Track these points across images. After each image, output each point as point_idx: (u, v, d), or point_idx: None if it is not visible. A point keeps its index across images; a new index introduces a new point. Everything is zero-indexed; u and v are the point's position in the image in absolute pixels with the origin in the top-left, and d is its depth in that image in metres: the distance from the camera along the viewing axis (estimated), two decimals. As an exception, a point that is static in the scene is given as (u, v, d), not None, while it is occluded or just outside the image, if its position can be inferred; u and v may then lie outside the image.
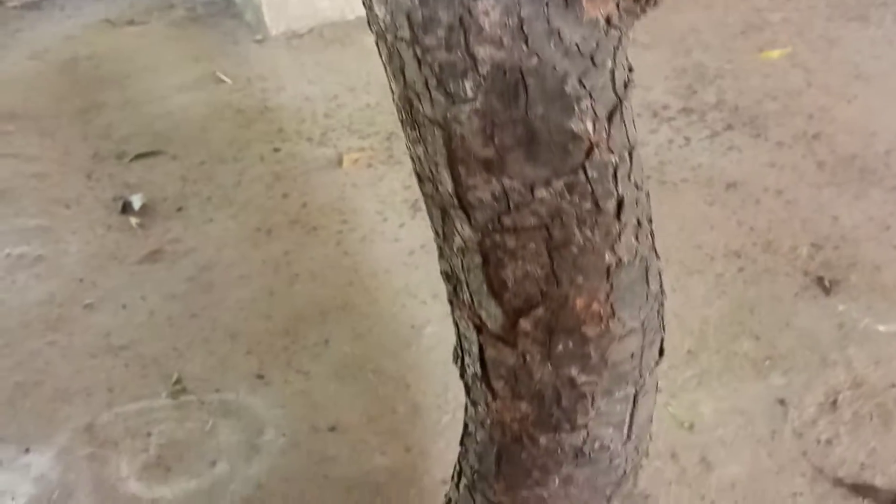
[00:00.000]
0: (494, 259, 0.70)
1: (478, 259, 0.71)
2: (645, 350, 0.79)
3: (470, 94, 0.60)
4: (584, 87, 0.61)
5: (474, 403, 0.87)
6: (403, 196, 2.22)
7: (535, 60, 0.58)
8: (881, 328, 1.62)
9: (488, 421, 0.85)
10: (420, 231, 2.09)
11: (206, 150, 2.55)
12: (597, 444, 0.82)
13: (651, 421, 0.88)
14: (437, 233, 0.76)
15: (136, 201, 2.35)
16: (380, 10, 0.61)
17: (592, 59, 0.60)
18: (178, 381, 1.76)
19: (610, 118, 0.64)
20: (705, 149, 2.21)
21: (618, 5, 0.61)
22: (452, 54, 0.58)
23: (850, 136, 2.19)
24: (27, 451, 1.62)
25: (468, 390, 0.87)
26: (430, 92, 0.62)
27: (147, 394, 1.73)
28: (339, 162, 2.39)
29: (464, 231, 0.70)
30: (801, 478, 1.39)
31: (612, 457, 0.84)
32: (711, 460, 1.43)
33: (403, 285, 1.92)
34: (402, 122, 0.70)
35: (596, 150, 0.65)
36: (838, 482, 1.38)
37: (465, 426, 0.92)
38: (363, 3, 0.64)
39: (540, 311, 0.72)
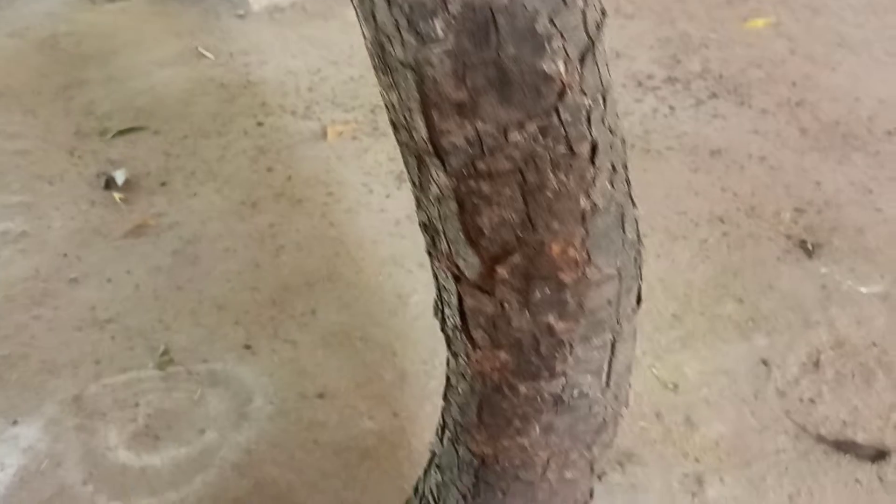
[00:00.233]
0: (470, 206, 0.70)
1: (454, 206, 0.71)
2: (622, 297, 0.80)
3: (440, 34, 0.60)
4: (556, 26, 0.61)
5: (455, 355, 0.87)
6: (389, 168, 2.21)
7: (505, -2, 0.58)
8: (863, 290, 1.63)
9: (469, 372, 0.85)
10: (406, 202, 2.08)
11: (189, 125, 2.53)
12: (576, 392, 0.83)
13: (630, 370, 0.89)
14: (413, 182, 0.76)
15: (120, 177, 2.33)
16: (350, -49, 0.61)
17: (563, -3, 0.60)
18: (165, 353, 1.76)
19: (582, 59, 0.64)
20: (690, 117, 2.21)
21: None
22: (422, -7, 0.58)
23: (833, 103, 2.20)
24: (15, 422, 1.62)
25: (449, 342, 0.87)
26: (400, 34, 0.62)
27: (134, 365, 1.73)
28: (324, 135, 2.37)
29: (439, 178, 0.70)
30: (784, 435, 1.41)
31: (591, 404, 0.85)
32: (695, 420, 1.45)
33: (389, 255, 1.92)
34: (375, 68, 0.69)
35: (569, 92, 0.65)
36: (821, 439, 1.40)
37: (448, 379, 0.93)
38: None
39: (516, 258, 0.72)
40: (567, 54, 0.63)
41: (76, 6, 3.51)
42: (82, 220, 2.20)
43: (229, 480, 1.47)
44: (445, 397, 0.95)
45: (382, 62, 0.67)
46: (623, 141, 0.75)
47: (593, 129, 0.68)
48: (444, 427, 0.97)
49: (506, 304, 0.76)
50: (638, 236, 0.81)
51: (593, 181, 0.70)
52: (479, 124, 0.65)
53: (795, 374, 1.50)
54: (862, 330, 1.55)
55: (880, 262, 1.69)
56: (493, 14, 0.59)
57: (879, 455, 1.36)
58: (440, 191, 0.71)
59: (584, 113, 0.67)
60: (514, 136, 0.65)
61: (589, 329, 0.79)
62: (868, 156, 1.99)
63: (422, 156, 0.70)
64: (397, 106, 0.69)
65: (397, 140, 0.74)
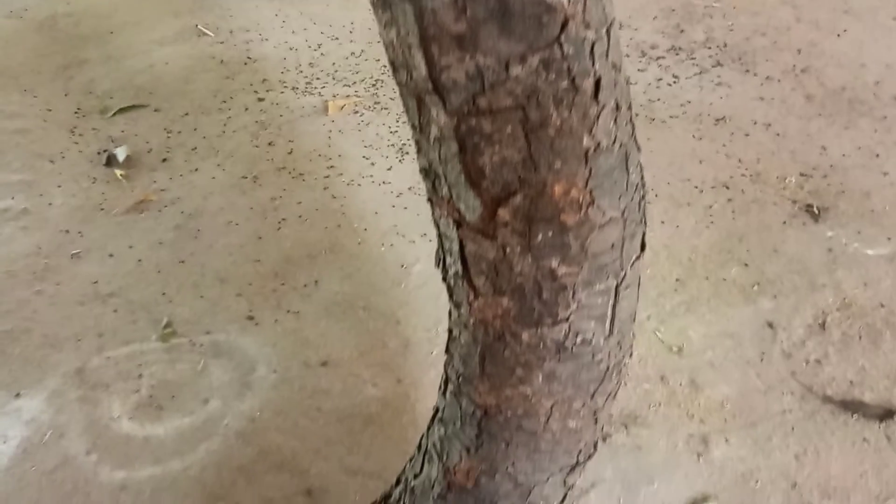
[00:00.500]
0: (471, 145, 0.69)
1: (454, 147, 0.70)
2: (626, 241, 0.78)
3: (439, -39, 0.59)
4: (557, -49, 0.59)
5: (457, 305, 0.86)
6: (390, 141, 2.20)
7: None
8: (870, 252, 1.62)
9: (471, 321, 0.84)
10: (408, 174, 2.07)
11: (190, 102, 2.52)
12: (579, 339, 0.82)
13: (633, 319, 0.88)
14: (413, 126, 0.74)
15: (121, 153, 2.32)
16: None
17: (564, -77, 0.59)
18: (168, 325, 1.76)
19: (584, -11, 0.63)
20: (694, 86, 2.19)
21: None
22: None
23: (839, 69, 2.18)
24: (18, 395, 1.62)
25: (451, 293, 0.86)
26: (398, -37, 0.60)
27: (137, 338, 1.73)
28: (325, 109, 2.36)
29: (439, 118, 0.69)
30: (790, 396, 1.40)
31: (594, 352, 0.84)
32: (700, 382, 1.44)
33: (392, 226, 1.91)
34: (373, 5, 0.68)
35: (571, 24, 0.63)
36: (827, 399, 1.39)
37: (450, 332, 0.92)
38: None
39: (518, 199, 0.71)
40: (568, -18, 0.61)
41: (74, -13, 3.48)
42: (83, 196, 2.19)
43: (233, 448, 1.47)
44: (447, 350, 0.94)
45: (380, -3, 0.65)
46: (627, 80, 0.73)
47: (597, 64, 0.66)
48: (446, 381, 0.96)
49: (507, 249, 0.75)
50: (642, 180, 0.80)
51: (597, 118, 0.69)
52: (480, 58, 0.64)
53: (801, 336, 1.49)
54: (869, 291, 1.54)
55: (887, 225, 1.68)
56: (491, -62, 0.57)
57: (887, 414, 1.35)
58: (440, 131, 0.70)
59: (587, 46, 0.65)
60: (516, 69, 0.64)
61: (592, 274, 0.78)
62: (874, 121, 1.97)
63: (421, 95, 0.69)
64: (396, 43, 0.68)
65: (397, 82, 0.73)
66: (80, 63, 2.84)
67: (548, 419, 0.88)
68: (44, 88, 2.73)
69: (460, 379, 0.91)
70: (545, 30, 0.63)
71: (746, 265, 1.64)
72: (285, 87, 2.49)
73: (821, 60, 2.24)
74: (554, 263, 0.76)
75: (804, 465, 1.30)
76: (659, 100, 2.16)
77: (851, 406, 1.37)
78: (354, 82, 2.47)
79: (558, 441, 0.91)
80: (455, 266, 0.81)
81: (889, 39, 2.28)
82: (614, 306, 0.82)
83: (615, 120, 0.71)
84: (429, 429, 1.03)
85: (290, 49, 2.70)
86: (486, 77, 0.65)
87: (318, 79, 2.52)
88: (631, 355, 0.91)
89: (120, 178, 2.24)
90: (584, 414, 0.89)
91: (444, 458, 0.97)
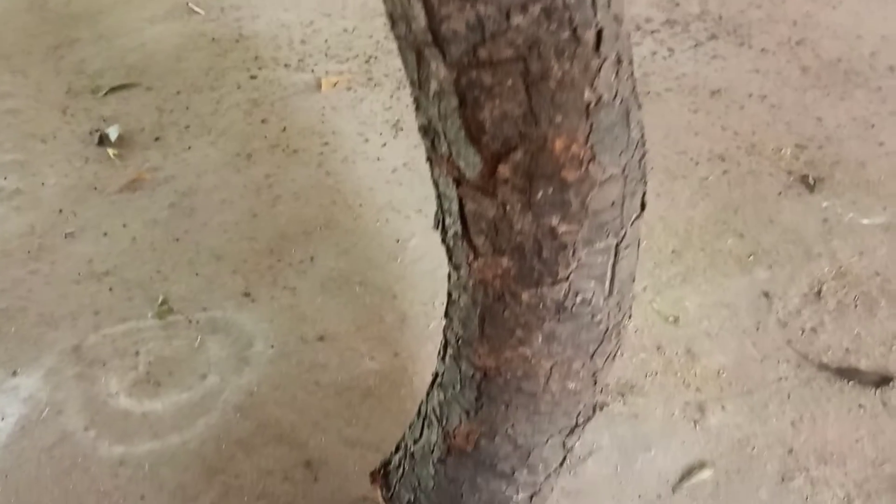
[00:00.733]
0: (471, 99, 0.69)
1: (454, 101, 0.70)
2: (626, 199, 0.78)
3: None
4: None
5: (456, 267, 0.86)
6: (384, 117, 2.19)
7: None
8: (865, 221, 1.62)
9: (470, 282, 0.84)
10: (403, 150, 2.06)
11: (182, 80, 2.50)
12: (578, 299, 0.82)
13: (633, 280, 0.88)
14: (412, 82, 0.74)
15: (113, 133, 2.30)
16: None
17: None
18: (164, 303, 1.75)
19: (584, -64, 0.62)
20: (689, 59, 2.19)
21: None
22: None
23: (834, 41, 2.17)
24: (14, 373, 1.61)
25: (449, 254, 0.86)
26: None
27: (133, 315, 1.72)
28: (318, 86, 2.34)
29: (439, 71, 0.68)
30: (786, 364, 1.41)
31: (594, 312, 0.84)
32: (696, 351, 1.45)
33: (387, 201, 1.90)
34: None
35: (571, -28, 0.63)
36: (823, 367, 1.40)
37: (449, 295, 0.92)
38: None
39: (518, 155, 0.71)
40: (568, -71, 0.61)
41: (62, -33, 3.44)
42: (76, 176, 2.18)
43: (232, 422, 1.47)
44: (446, 314, 0.94)
45: (377, -54, 0.64)
46: (628, 34, 0.73)
47: (598, 14, 0.66)
48: (445, 345, 0.96)
49: (507, 206, 0.75)
50: (643, 137, 0.79)
51: (598, 71, 0.68)
52: (481, 7, 0.63)
53: (797, 305, 1.50)
54: (864, 260, 1.55)
55: (882, 195, 1.68)
56: None
57: (883, 381, 1.36)
58: (440, 85, 0.69)
59: (587, -4, 0.65)
60: (517, 18, 0.63)
61: (592, 232, 0.77)
62: (870, 91, 1.97)
63: (421, 48, 0.68)
64: (394, -5, 0.67)
65: (395, 35, 0.72)
66: (70, 42, 2.81)
67: (547, 380, 0.88)
68: (34, 68, 2.70)
69: (460, 342, 0.91)
70: (545, -22, 0.62)
71: (742, 236, 1.64)
72: (277, 64, 2.47)
73: (816, 32, 2.23)
74: (554, 221, 0.75)
75: (800, 431, 1.31)
76: (654, 73, 2.15)
77: (847, 373, 1.38)
78: (347, 59, 2.46)
79: (558, 402, 0.91)
80: (454, 226, 0.81)
81: (885, 11, 2.27)
82: (614, 266, 0.82)
83: (617, 73, 0.71)
84: (428, 394, 1.03)
85: (282, 26, 2.68)
86: (486, 27, 0.64)
87: (310, 56, 2.50)
88: (630, 317, 0.92)
89: (113, 157, 2.22)
90: (583, 375, 0.90)
91: (444, 422, 0.97)
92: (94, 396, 1.55)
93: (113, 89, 2.51)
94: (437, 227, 0.86)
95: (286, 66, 2.47)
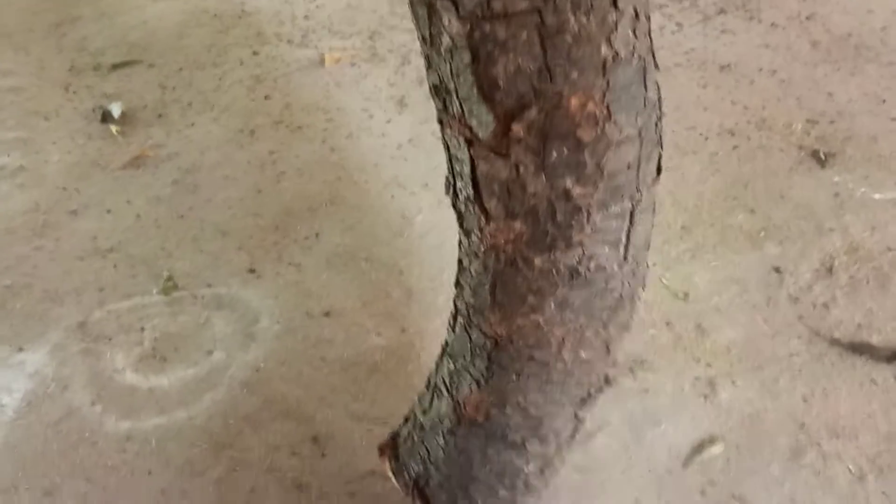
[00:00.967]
0: (484, 54, 0.67)
1: (467, 57, 0.68)
2: (642, 162, 0.76)
3: None
4: None
5: (467, 233, 0.84)
6: (389, 93, 2.17)
7: None
8: (877, 196, 1.60)
9: (482, 248, 0.83)
10: (408, 126, 2.04)
11: (184, 56, 2.47)
12: (592, 264, 0.80)
13: (648, 247, 0.86)
14: (424, 39, 0.72)
15: (116, 110, 2.28)
16: None
17: None
18: (169, 279, 1.74)
19: None
20: (698, 33, 2.15)
21: None
22: None
23: (845, 16, 2.14)
24: (20, 349, 1.61)
25: (461, 220, 0.84)
26: None
27: (138, 291, 1.71)
28: (321, 62, 2.32)
29: (451, 25, 0.67)
30: (797, 340, 1.40)
31: (608, 278, 0.82)
32: (706, 327, 1.43)
33: (392, 177, 1.89)
34: None
35: (589, -79, 0.61)
36: (835, 342, 1.38)
37: (459, 263, 0.90)
38: None
39: (533, 113, 0.69)
40: None
41: (63, -56, 3.40)
42: (80, 153, 2.16)
43: (238, 398, 1.47)
44: (457, 283, 0.92)
45: None
46: (644, -10, 0.71)
47: (614, -34, 0.64)
48: (455, 314, 0.95)
49: (521, 167, 0.73)
50: (660, 100, 0.77)
51: (615, 26, 0.66)
52: (494, -43, 0.61)
53: (808, 281, 1.48)
54: (876, 235, 1.53)
55: (894, 169, 1.66)
56: None
57: (895, 356, 1.34)
58: (452, 40, 0.68)
59: (604, -54, 0.63)
60: (531, -31, 0.61)
61: (607, 195, 0.76)
62: (881, 66, 1.94)
63: (433, 1, 0.66)
64: (405, -52, 0.65)
65: (406, -9, 0.70)
66: (72, 20, 2.78)
67: (560, 349, 0.87)
68: (36, 46, 2.68)
69: (470, 310, 0.90)
70: (562, -73, 0.60)
71: (752, 211, 1.62)
72: (280, 40, 2.45)
73: (826, 7, 2.20)
74: (569, 183, 0.74)
75: (812, 406, 1.30)
76: (662, 48, 2.12)
77: (859, 348, 1.37)
78: (351, 34, 2.43)
79: (570, 372, 0.89)
80: (466, 189, 0.79)
81: (897, -15, 2.24)
82: (629, 231, 0.80)
83: (634, 30, 0.69)
84: (437, 365, 1.02)
85: (285, 2, 2.65)
86: (500, -21, 0.62)
87: (313, 31, 2.47)
88: (644, 287, 0.90)
89: (116, 134, 2.20)
90: (596, 344, 0.88)
91: (454, 392, 0.96)
92: (100, 372, 1.55)
93: (115, 66, 2.49)
94: (448, 192, 0.84)
95: (289, 42, 2.44)
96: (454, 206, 0.84)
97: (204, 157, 2.06)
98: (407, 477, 1.04)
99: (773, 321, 1.43)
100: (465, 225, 0.84)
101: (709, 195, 1.67)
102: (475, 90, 0.70)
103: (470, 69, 0.68)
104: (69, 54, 2.59)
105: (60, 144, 2.19)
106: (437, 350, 1.45)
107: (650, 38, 0.73)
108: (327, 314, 1.59)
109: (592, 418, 1.30)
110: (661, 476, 1.23)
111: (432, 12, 0.68)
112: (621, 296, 0.85)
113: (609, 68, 0.68)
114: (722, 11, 2.23)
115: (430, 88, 0.76)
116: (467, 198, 0.80)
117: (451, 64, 0.70)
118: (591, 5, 0.64)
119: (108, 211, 1.94)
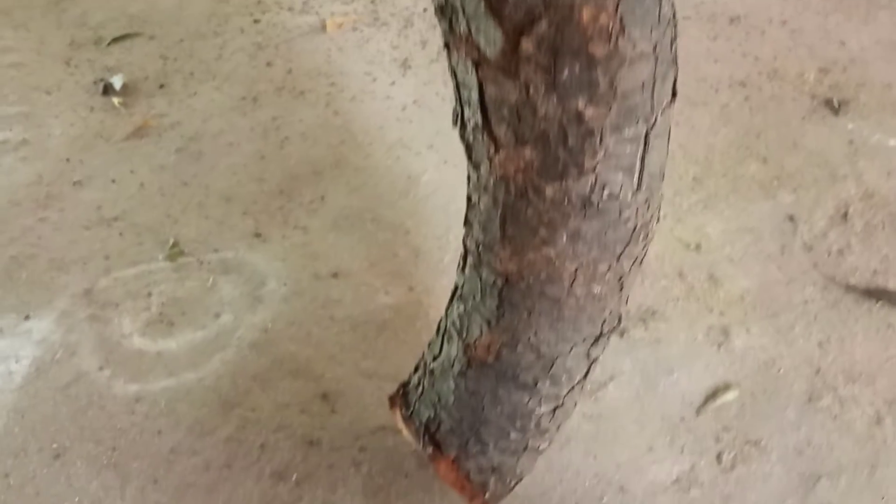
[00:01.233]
0: (490, -35, 0.64)
1: (472, -30, 0.65)
2: (657, 82, 0.74)
3: None
4: None
5: (476, 166, 0.82)
6: (392, 56, 2.14)
7: None
8: (892, 142, 1.57)
9: (491, 180, 0.81)
10: (412, 88, 2.02)
11: (184, 27, 2.45)
12: (605, 193, 0.78)
13: (662, 176, 0.84)
14: (426, -44, 0.69)
15: (117, 82, 2.26)
16: None
17: None
18: (174, 245, 1.73)
19: None
20: (706, -13, 2.11)
21: None
22: None
23: (856, -35, 2.09)
24: (27, 317, 1.60)
25: (469, 152, 0.82)
26: None
27: (144, 259, 1.70)
28: (323, 28, 2.29)
29: (455, -63, 0.64)
30: (812, 287, 1.37)
31: (621, 208, 0.80)
32: (719, 277, 1.41)
33: (397, 139, 1.86)
34: None
35: None
36: (850, 288, 1.36)
37: (468, 200, 0.88)
38: None
39: (543, 27, 0.67)
40: None
41: (59, -79, 3.36)
42: (82, 125, 2.14)
43: (247, 358, 1.46)
44: (466, 221, 0.90)
45: None
46: None
47: None
48: (465, 255, 0.93)
49: (531, 88, 0.71)
50: (674, 17, 0.75)
51: (624, -69, 0.64)
52: None
53: (823, 228, 1.45)
54: (891, 181, 1.50)
55: (910, 116, 1.63)
56: None
57: (912, 300, 1.32)
58: (456, -47, 0.65)
59: None
60: None
61: (621, 116, 0.73)
62: (894, 13, 1.90)
63: (434, -89, 0.64)
64: None
65: None
66: (70, -5, 2.75)
67: (572, 284, 0.85)
68: (36, 23, 2.65)
69: (480, 248, 0.88)
70: None
71: (765, 161, 1.59)
72: (281, 7, 2.42)
73: (837, -42, 2.15)
74: (580, 104, 0.71)
75: (828, 352, 1.28)
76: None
77: (875, 294, 1.34)
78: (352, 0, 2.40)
79: (582, 308, 0.88)
80: (474, 118, 0.77)
81: (909, -67, 2.19)
82: (643, 157, 0.78)
83: (644, -62, 0.66)
84: (447, 310, 1.01)
85: (285, -29, 2.61)
86: None
87: (315, -1, 2.44)
88: (658, 220, 0.88)
89: (118, 105, 2.18)
90: (609, 279, 0.86)
91: (464, 334, 0.95)
92: (108, 337, 1.54)
93: (115, 40, 2.46)
94: (456, 124, 0.82)
95: (290, 9, 2.41)
96: (462, 138, 0.82)
97: (207, 125, 2.04)
98: (417, 423, 1.03)
99: (787, 269, 1.40)
100: (473, 157, 0.82)
101: (720, 146, 1.64)
102: (482, 4, 0.67)
103: (476, -18, 0.66)
104: (69, 29, 2.57)
105: (63, 118, 2.17)
106: (445, 308, 1.45)
107: (662, -52, 0.70)
108: (335, 275, 1.58)
109: (604, 369, 1.28)
110: (675, 424, 1.21)
111: (435, -77, 0.65)
112: (635, 227, 0.83)
113: (620, -22, 0.66)
114: (730, -36, 2.18)
115: (436, 9, 0.74)
116: (475, 126, 0.78)
117: (456, -22, 0.67)
118: None
119: (113, 181, 1.93)
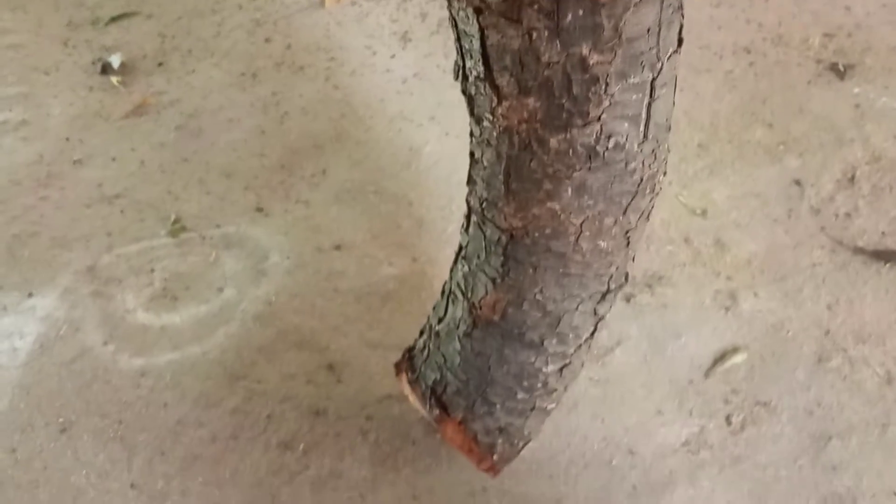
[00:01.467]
0: None
1: (472, -89, 0.64)
2: (663, 28, 0.72)
3: None
4: None
5: (479, 120, 0.81)
6: (391, 29, 2.12)
7: None
8: (899, 105, 1.55)
9: (494, 133, 0.79)
10: (412, 60, 2.00)
11: (182, 5, 2.42)
12: (611, 142, 0.77)
13: (669, 127, 0.83)
14: None
15: (116, 61, 2.24)
16: None
17: None
18: (176, 221, 1.72)
19: None
20: (709, -46, 2.08)
21: None
22: None
23: (862, -71, 2.06)
24: (30, 295, 1.59)
25: (472, 105, 0.81)
26: None
27: (146, 235, 1.69)
28: (321, 3, 2.26)
29: None
30: (819, 250, 1.36)
31: (627, 159, 0.79)
32: (726, 241, 1.40)
33: (398, 111, 1.85)
34: None
35: None
36: (858, 251, 1.35)
37: (471, 156, 0.87)
38: None
39: (544, -31, 0.65)
40: None
41: None
42: (81, 105, 2.13)
43: (252, 331, 1.45)
44: (469, 180, 0.89)
45: None
46: None
47: None
48: (469, 214, 0.92)
49: (534, 34, 0.69)
50: (677, -41, 0.73)
51: None
52: None
53: (830, 191, 1.44)
54: (899, 143, 1.48)
55: (917, 78, 1.61)
56: None
57: (921, 261, 1.31)
58: None
59: None
60: None
61: (626, 63, 0.72)
62: (901, -23, 1.87)
63: None
64: None
65: None
66: (66, -24, 2.73)
67: (577, 239, 0.84)
68: (34, 4, 2.63)
69: (484, 205, 0.87)
70: None
71: (771, 126, 1.57)
72: (280, -16, 2.39)
73: (842, -77, 2.12)
74: (585, 50, 0.70)
75: (837, 313, 1.27)
76: (672, -27, 2.06)
77: (884, 255, 1.33)
78: (352, -24, 2.37)
79: (588, 263, 0.86)
80: (476, 68, 0.76)
81: None
82: (650, 105, 0.77)
83: None
84: (451, 271, 1.00)
85: (282, -53, 2.58)
86: None
87: (313, -26, 2.41)
88: (665, 173, 0.87)
89: (117, 84, 2.17)
90: (615, 233, 0.85)
91: (469, 294, 0.94)
92: (112, 313, 1.53)
93: (113, 19, 2.44)
94: (457, 77, 0.81)
95: (288, -15, 2.38)
96: (464, 91, 0.81)
97: (206, 101, 2.02)
98: (423, 386, 1.03)
99: (794, 233, 1.39)
100: (476, 111, 0.81)
101: (725, 112, 1.62)
102: (482, -53, 0.66)
103: (476, -78, 0.64)
104: (66, 10, 2.55)
105: (62, 97, 2.16)
106: (451, 276, 1.44)
107: None
108: (338, 247, 1.57)
109: (610, 334, 1.27)
110: (683, 387, 1.20)
111: None
112: (642, 179, 0.82)
113: (624, -85, 0.64)
114: (732, -70, 2.15)
115: (435, -44, 0.72)
116: (477, 77, 0.76)
117: (456, -81, 0.66)
118: None
119: (113, 159, 1.92)
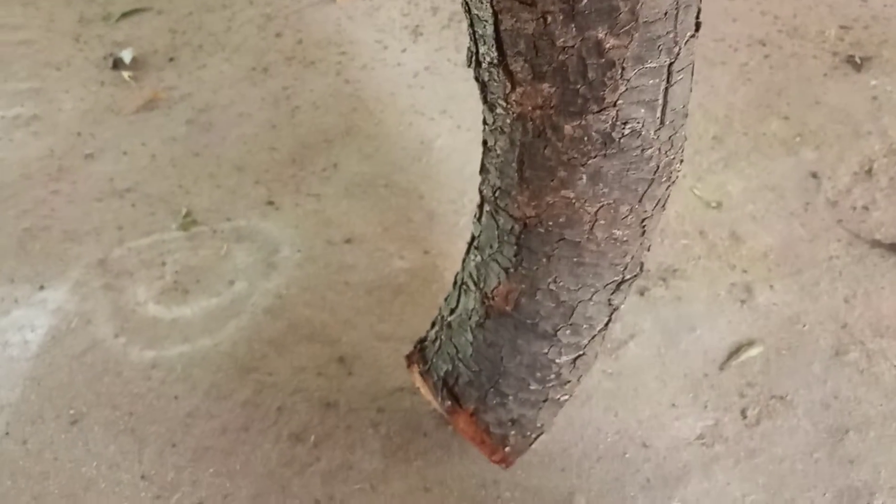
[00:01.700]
0: None
1: None
2: (680, 10, 0.71)
3: None
4: None
5: (492, 107, 0.80)
6: (402, 23, 2.11)
7: None
8: (917, 97, 1.53)
9: (508, 120, 0.78)
10: (423, 54, 1.99)
11: (192, 1, 2.43)
12: (627, 129, 0.75)
13: (686, 114, 0.81)
14: None
15: (127, 56, 2.25)
16: None
17: None
18: (187, 215, 1.72)
19: None
20: (723, -53, 2.06)
21: None
22: None
23: (878, -79, 2.03)
24: (41, 287, 1.60)
25: (485, 92, 0.80)
26: None
27: (157, 228, 1.69)
28: (333, -3, 2.26)
29: None
30: (836, 243, 1.34)
31: (643, 146, 0.77)
32: (741, 234, 1.38)
33: (409, 105, 1.84)
34: None
35: None
36: (876, 244, 1.33)
37: (484, 145, 0.86)
38: None
39: (560, -50, 0.64)
40: None
41: None
42: (93, 100, 2.13)
43: (262, 324, 1.45)
44: (482, 168, 0.88)
45: None
46: None
47: None
48: (481, 203, 0.91)
49: (549, 18, 0.68)
50: (694, -60, 0.72)
51: None
52: None
53: (847, 184, 1.42)
54: (918, 136, 1.46)
55: (935, 70, 1.58)
56: None
57: (940, 254, 1.29)
58: None
59: None
60: None
61: (643, 47, 0.71)
62: (918, -31, 1.84)
63: None
64: None
65: None
66: (78, -28, 2.74)
67: (592, 227, 0.82)
68: (45, 1, 2.64)
69: (497, 194, 0.86)
70: None
71: (787, 118, 1.55)
72: (290, -22, 2.39)
73: (858, -86, 2.09)
74: (601, 33, 0.69)
75: (854, 306, 1.25)
76: (685, -35, 2.04)
77: (902, 249, 1.31)
78: (362, -30, 2.36)
79: (603, 252, 0.85)
80: (489, 54, 0.75)
81: None
82: (666, 91, 0.75)
83: None
84: (463, 261, 0.99)
85: (293, -58, 2.58)
86: None
87: (324, -31, 2.40)
88: (682, 161, 0.85)
89: (128, 79, 2.17)
90: (631, 221, 0.84)
91: (482, 284, 0.93)
92: (123, 305, 1.53)
93: (124, 15, 2.45)
94: (470, 63, 0.80)
95: (299, -20, 2.38)
96: (477, 78, 0.80)
97: (217, 96, 2.02)
98: (435, 378, 1.02)
99: (811, 226, 1.37)
100: (489, 98, 0.80)
101: (740, 105, 1.60)
102: (497, -72, 0.65)
103: None
104: (78, 6, 2.56)
105: (73, 92, 2.16)
106: (462, 269, 1.43)
107: None
108: (349, 241, 1.56)
109: (624, 327, 1.26)
110: (698, 380, 1.19)
111: None
112: (658, 166, 0.80)
113: None
114: (747, -78, 2.13)
115: (448, -61, 0.71)
116: (491, 62, 0.75)
117: None
118: None
119: (124, 153, 1.92)
